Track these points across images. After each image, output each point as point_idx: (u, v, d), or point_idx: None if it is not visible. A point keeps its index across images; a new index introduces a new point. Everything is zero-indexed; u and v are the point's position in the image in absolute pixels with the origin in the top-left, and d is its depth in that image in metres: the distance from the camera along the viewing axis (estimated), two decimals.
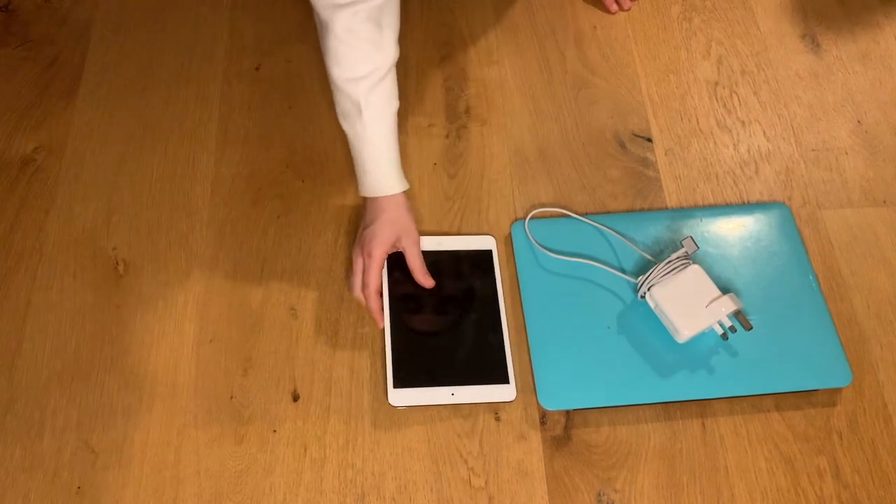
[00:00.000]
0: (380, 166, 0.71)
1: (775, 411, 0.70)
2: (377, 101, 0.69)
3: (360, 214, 0.78)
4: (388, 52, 0.69)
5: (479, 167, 0.83)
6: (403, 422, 0.69)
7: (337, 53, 0.67)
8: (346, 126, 0.71)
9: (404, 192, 0.72)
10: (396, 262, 0.74)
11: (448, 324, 0.73)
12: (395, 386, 0.69)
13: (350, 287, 0.73)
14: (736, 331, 0.70)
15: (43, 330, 0.73)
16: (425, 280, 0.72)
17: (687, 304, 0.69)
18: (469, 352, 0.71)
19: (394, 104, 0.71)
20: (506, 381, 0.70)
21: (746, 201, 0.82)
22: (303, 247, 0.78)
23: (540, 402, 0.69)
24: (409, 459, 0.68)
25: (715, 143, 0.86)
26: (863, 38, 0.94)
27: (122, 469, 0.67)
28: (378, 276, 0.71)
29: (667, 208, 0.81)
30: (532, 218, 0.78)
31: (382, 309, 0.71)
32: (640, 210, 0.81)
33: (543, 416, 0.70)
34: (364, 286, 0.71)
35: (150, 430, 0.69)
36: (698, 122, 0.87)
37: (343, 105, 0.69)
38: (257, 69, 0.90)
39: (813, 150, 0.86)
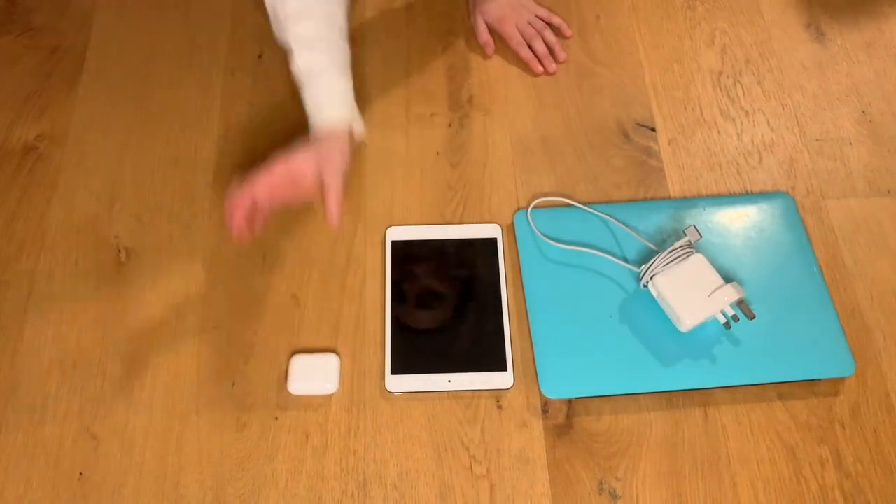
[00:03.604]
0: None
1: (778, 400, 0.70)
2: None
3: (364, 202, 0.78)
4: None
5: (482, 156, 0.83)
6: (405, 409, 0.69)
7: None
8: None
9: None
10: (401, 250, 0.74)
11: (449, 311, 0.73)
12: (393, 372, 0.70)
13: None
14: (739, 320, 0.69)
15: (45, 317, 0.73)
16: (334, 210, 0.66)
17: (689, 293, 0.69)
18: (468, 339, 0.71)
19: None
20: (504, 368, 0.70)
21: (750, 191, 0.81)
22: (305, 235, 0.78)
23: (542, 390, 0.69)
24: (411, 447, 0.68)
25: (719, 132, 0.85)
26: (867, 28, 0.93)
27: (123, 455, 0.67)
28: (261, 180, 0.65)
29: (670, 198, 0.81)
30: (535, 207, 0.78)
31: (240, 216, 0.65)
32: (644, 199, 0.81)
33: (545, 405, 0.70)
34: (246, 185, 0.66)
35: (152, 416, 0.69)
36: (702, 112, 0.87)
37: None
38: (259, 57, 0.90)
39: (817, 139, 0.85)
